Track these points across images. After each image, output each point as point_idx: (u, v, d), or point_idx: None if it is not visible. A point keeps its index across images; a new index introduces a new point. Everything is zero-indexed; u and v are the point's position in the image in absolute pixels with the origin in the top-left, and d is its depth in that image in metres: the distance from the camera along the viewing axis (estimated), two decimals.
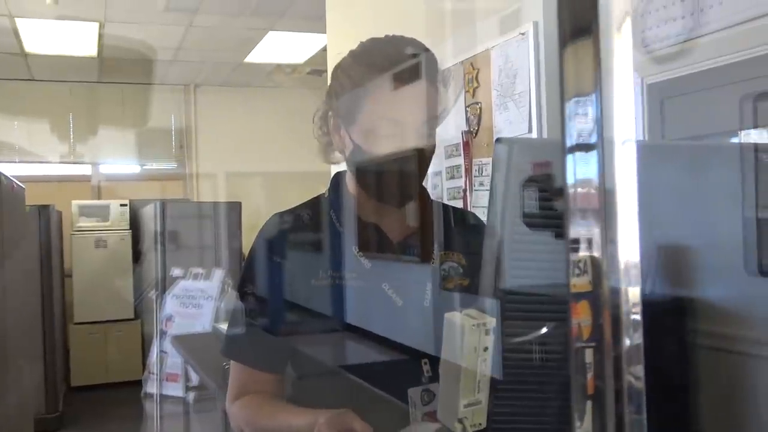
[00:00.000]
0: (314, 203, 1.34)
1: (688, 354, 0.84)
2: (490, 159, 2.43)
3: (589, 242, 0.46)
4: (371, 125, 1.18)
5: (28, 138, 6.76)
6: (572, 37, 0.47)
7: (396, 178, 1.23)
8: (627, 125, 0.47)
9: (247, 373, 1.28)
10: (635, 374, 0.47)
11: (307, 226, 1.29)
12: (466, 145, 2.54)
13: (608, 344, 0.45)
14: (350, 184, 1.29)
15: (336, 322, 1.22)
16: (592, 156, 0.47)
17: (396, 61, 1.18)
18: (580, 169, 0.47)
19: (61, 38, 5.67)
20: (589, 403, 0.46)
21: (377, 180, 1.23)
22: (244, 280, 1.33)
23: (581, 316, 0.46)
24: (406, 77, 1.18)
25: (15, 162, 6.48)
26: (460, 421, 0.68)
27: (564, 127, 0.47)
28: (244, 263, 1.35)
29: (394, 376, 1.19)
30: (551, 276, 0.78)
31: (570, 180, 0.47)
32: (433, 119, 1.21)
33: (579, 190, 0.47)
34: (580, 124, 0.47)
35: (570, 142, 0.47)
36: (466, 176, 2.52)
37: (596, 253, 0.46)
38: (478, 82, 2.50)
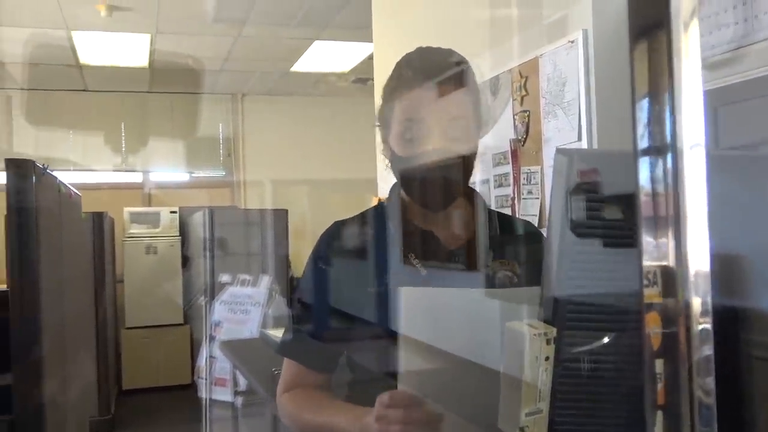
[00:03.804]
0: (374, 211, 1.38)
1: (743, 365, 0.83)
2: (539, 167, 2.43)
3: (660, 251, 0.46)
4: (399, 128, 1.24)
5: (83, 147, 6.96)
6: (641, 37, 0.46)
7: (432, 182, 1.25)
8: (696, 129, 0.46)
9: (297, 369, 1.34)
10: (705, 387, 0.47)
11: (365, 233, 1.34)
12: (514, 153, 2.53)
13: (681, 355, 0.45)
14: (399, 192, 1.34)
15: (390, 329, 1.25)
16: (661, 161, 0.46)
17: (423, 68, 1.24)
18: (648, 175, 0.47)
19: (114, 50, 5.82)
20: (659, 414, 0.47)
21: (415, 185, 1.26)
22: (302, 286, 1.37)
23: (651, 326, 0.47)
24: (429, 82, 1.23)
25: (70, 170, 6.67)
26: (522, 429, 0.69)
27: (634, 131, 0.47)
28: (304, 269, 1.39)
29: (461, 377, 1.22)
30: (603, 286, 0.78)
31: (641, 185, 0.47)
32: (462, 121, 1.23)
33: (647, 196, 0.47)
34: (650, 128, 0.47)
35: (641, 146, 0.47)
36: (514, 184, 2.52)
37: (667, 262, 0.46)
38: (526, 90, 2.50)
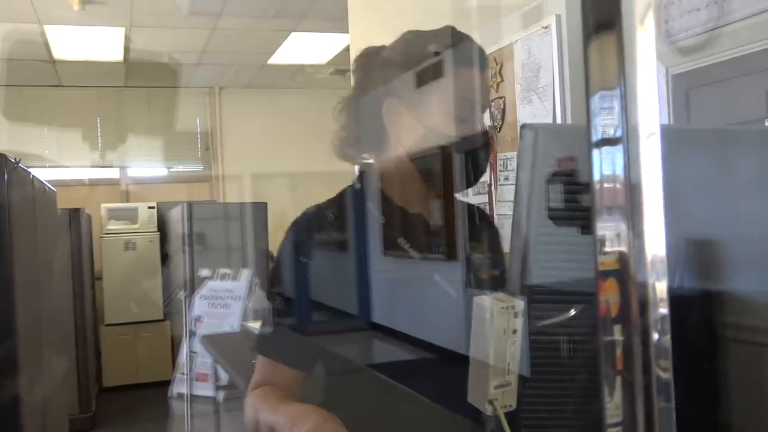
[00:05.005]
0: (346, 196, 1.30)
1: (717, 346, 0.84)
2: (515, 153, 2.43)
3: (616, 236, 0.47)
4: (449, 107, 1.20)
5: (58, 143, 6.88)
6: (596, 31, 0.47)
7: (465, 163, 1.22)
8: (652, 118, 0.47)
9: (270, 366, 1.27)
10: (661, 354, 0.47)
11: (343, 219, 1.27)
12: (491, 139, 2.54)
13: (635, 319, 0.45)
14: (393, 173, 1.26)
15: (389, 317, 1.21)
16: (618, 150, 0.47)
17: (470, 49, 1.22)
18: (606, 164, 0.48)
19: (88, 44, 5.76)
20: (618, 378, 0.47)
21: (445, 166, 1.21)
22: (275, 279, 1.31)
23: (609, 293, 0.47)
24: (472, 62, 1.22)
25: (45, 167, 6.59)
26: (491, 402, 0.69)
27: (589, 122, 0.48)
28: (275, 262, 1.32)
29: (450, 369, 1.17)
30: (578, 269, 0.79)
31: (596, 174, 0.47)
32: (493, 103, 1.24)
33: (605, 184, 0.47)
34: (606, 119, 0.47)
35: (596, 136, 0.47)
36: (490, 171, 2.53)
37: (623, 247, 0.47)
38: (501, 76, 2.50)
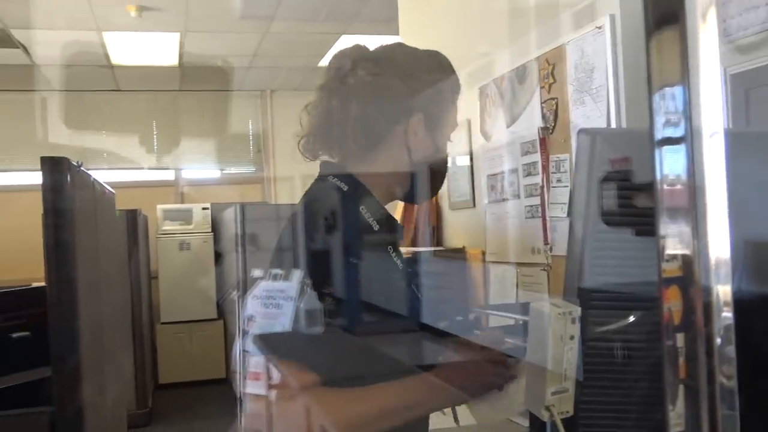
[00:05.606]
0: (336, 197, 1.28)
1: None
2: (567, 155, 2.41)
3: (679, 239, 0.47)
4: (449, 131, 1.31)
5: (116, 146, 7.08)
6: (657, 27, 0.47)
7: (441, 180, 1.36)
8: (714, 117, 0.46)
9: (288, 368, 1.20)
10: (726, 362, 0.47)
11: (338, 222, 1.25)
12: (543, 141, 2.52)
13: (700, 328, 0.45)
14: (383, 182, 1.29)
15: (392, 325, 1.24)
16: (680, 149, 0.47)
17: (455, 74, 1.32)
18: (667, 163, 0.47)
19: (145, 49, 5.91)
20: (681, 387, 0.47)
21: (434, 181, 1.33)
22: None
23: (672, 301, 0.47)
24: (460, 89, 1.34)
25: (103, 169, 6.79)
26: (548, 408, 0.70)
27: (651, 120, 0.47)
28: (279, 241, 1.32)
29: None
30: (632, 271, 0.78)
31: (658, 174, 0.47)
32: None
33: (667, 184, 0.47)
34: (668, 117, 0.47)
35: (657, 135, 0.47)
36: (543, 173, 2.51)
37: (686, 249, 0.46)
38: (553, 77, 2.48)
